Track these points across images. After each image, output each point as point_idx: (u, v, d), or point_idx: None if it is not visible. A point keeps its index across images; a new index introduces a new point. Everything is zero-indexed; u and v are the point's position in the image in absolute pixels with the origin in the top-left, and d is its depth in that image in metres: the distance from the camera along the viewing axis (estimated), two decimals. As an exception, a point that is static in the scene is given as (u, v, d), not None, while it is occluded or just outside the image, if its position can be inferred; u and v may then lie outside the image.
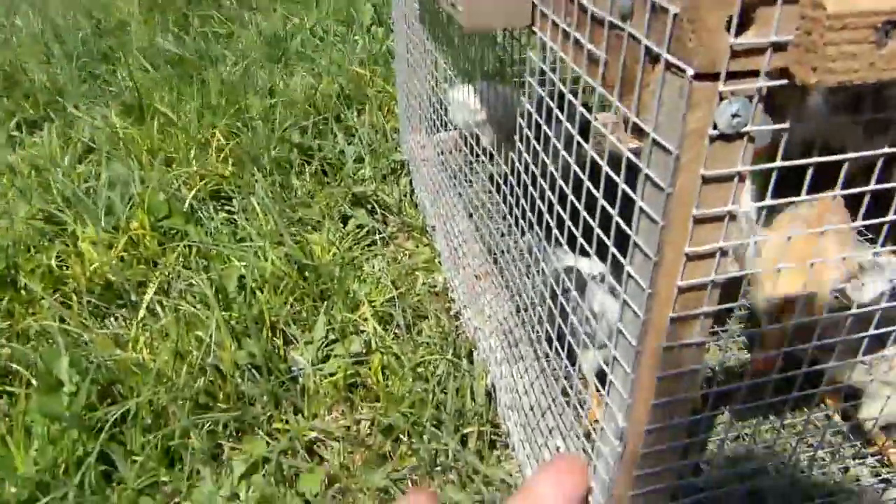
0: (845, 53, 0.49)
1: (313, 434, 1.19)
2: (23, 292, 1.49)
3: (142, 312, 1.36)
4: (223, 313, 1.35)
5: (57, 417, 1.12)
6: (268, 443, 1.16)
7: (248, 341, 1.29)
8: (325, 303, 1.42)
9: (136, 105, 2.11)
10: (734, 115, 0.53)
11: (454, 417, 1.18)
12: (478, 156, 1.45)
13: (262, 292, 1.42)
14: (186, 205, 1.69)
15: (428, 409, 1.19)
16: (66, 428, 1.10)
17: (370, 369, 1.27)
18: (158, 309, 1.38)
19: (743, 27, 0.50)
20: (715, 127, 0.53)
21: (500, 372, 1.22)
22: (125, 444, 1.14)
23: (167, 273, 1.51)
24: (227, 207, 1.77)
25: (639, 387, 0.68)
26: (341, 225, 1.72)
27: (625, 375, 0.69)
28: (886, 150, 0.59)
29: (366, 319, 1.35)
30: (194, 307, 1.37)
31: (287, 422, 1.21)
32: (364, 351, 1.32)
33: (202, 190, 1.75)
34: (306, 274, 1.48)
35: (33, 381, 1.21)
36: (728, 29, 0.49)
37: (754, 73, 0.52)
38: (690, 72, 0.51)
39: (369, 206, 1.77)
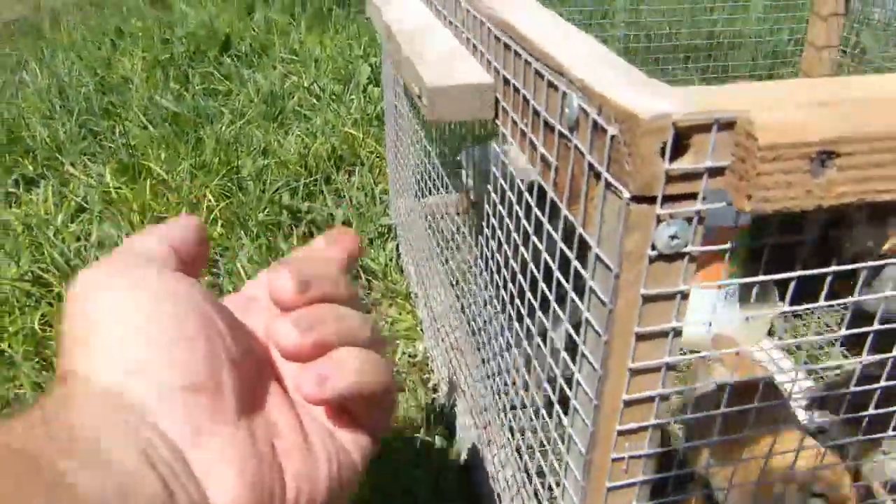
0: (780, 182, 0.49)
1: None
2: (4, 355, 1.48)
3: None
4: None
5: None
6: None
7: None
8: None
9: (130, 164, 2.13)
10: (672, 237, 0.52)
11: (428, 498, 1.16)
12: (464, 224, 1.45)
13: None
14: (172, 267, 1.69)
15: (400, 485, 1.17)
16: None
17: None
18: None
19: (679, 152, 0.50)
20: (654, 248, 0.53)
21: (474, 450, 1.20)
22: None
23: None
24: (213, 270, 1.77)
25: (590, 495, 0.66)
26: (326, 290, 1.71)
27: (576, 482, 0.67)
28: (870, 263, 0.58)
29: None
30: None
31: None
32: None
33: (188, 252, 1.75)
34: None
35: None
36: (663, 155, 0.49)
37: (692, 196, 0.51)
38: (627, 194, 0.51)
39: (354, 272, 1.77)
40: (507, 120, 0.79)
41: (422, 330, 1.59)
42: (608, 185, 0.53)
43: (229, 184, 2.07)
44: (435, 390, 1.43)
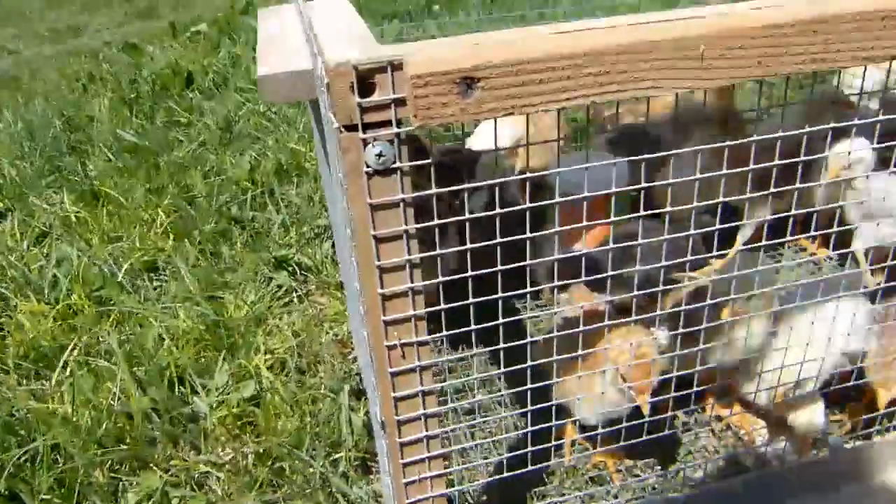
0: (436, 103, 0.65)
1: (205, 468, 1.33)
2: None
3: (57, 371, 1.52)
4: (137, 367, 1.51)
5: (-28, 463, 1.27)
6: (161, 477, 1.30)
7: (152, 390, 1.44)
8: (231, 354, 1.57)
9: (89, 192, 2.32)
10: (379, 156, 0.69)
11: (327, 446, 1.32)
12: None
13: (177, 348, 1.58)
14: (121, 276, 1.87)
15: (306, 439, 1.33)
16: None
17: (262, 409, 1.42)
18: (75, 367, 1.54)
19: (370, 90, 0.67)
20: (367, 165, 0.69)
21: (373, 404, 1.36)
22: (32, 484, 1.28)
23: (94, 336, 1.67)
24: (162, 276, 1.95)
25: (380, 379, 0.82)
26: (264, 285, 1.88)
27: (370, 369, 0.83)
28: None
29: (258, 367, 1.50)
30: (110, 363, 1.53)
31: (185, 459, 1.35)
32: (258, 393, 1.46)
33: (136, 262, 1.93)
34: (217, 329, 1.64)
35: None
36: (354, 91, 0.66)
37: (389, 123, 0.68)
38: (337, 124, 0.68)
39: (291, 269, 1.94)
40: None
41: (348, 314, 1.76)
42: (330, 121, 0.70)
43: (182, 201, 2.26)
44: (353, 361, 1.59)
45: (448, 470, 0.91)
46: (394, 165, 0.70)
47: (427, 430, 0.87)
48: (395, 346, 0.79)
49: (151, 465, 1.33)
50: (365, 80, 0.66)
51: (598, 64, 0.68)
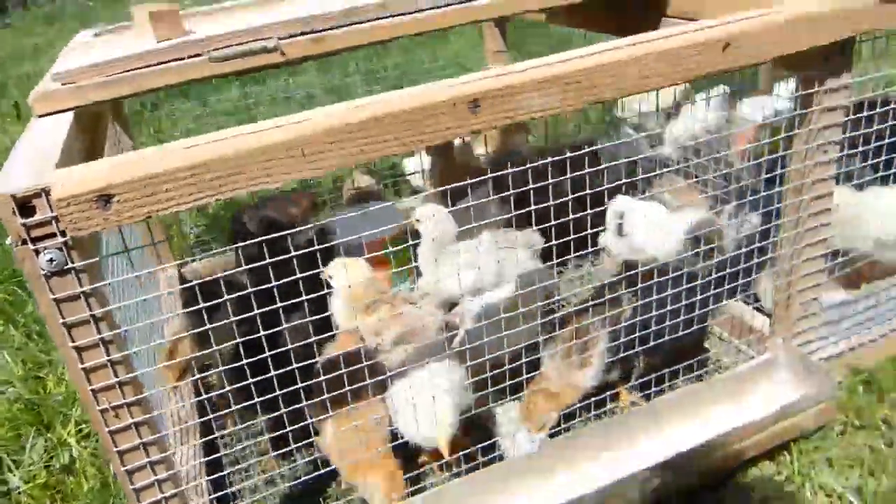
0: (82, 217, 0.83)
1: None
2: None
3: None
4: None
5: None
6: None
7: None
8: (47, 429, 1.69)
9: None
10: (51, 261, 0.86)
11: None
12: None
13: (-8, 430, 1.69)
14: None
15: (110, 497, 1.47)
16: None
17: (72, 476, 1.54)
18: None
19: (35, 210, 0.84)
20: (43, 269, 0.86)
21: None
22: None
23: None
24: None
25: (103, 442, 0.99)
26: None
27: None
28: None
29: (66, 440, 1.63)
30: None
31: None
32: (70, 462, 1.59)
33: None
34: (34, 408, 1.75)
35: None
36: (16, 215, 0.83)
37: (55, 235, 0.86)
38: (10, 241, 0.85)
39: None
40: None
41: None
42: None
43: (11, 286, 2.34)
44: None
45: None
46: (67, 266, 0.87)
47: (161, 488, 1.03)
48: (107, 410, 0.96)
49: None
50: (25, 204, 0.84)
51: (215, 171, 0.88)
